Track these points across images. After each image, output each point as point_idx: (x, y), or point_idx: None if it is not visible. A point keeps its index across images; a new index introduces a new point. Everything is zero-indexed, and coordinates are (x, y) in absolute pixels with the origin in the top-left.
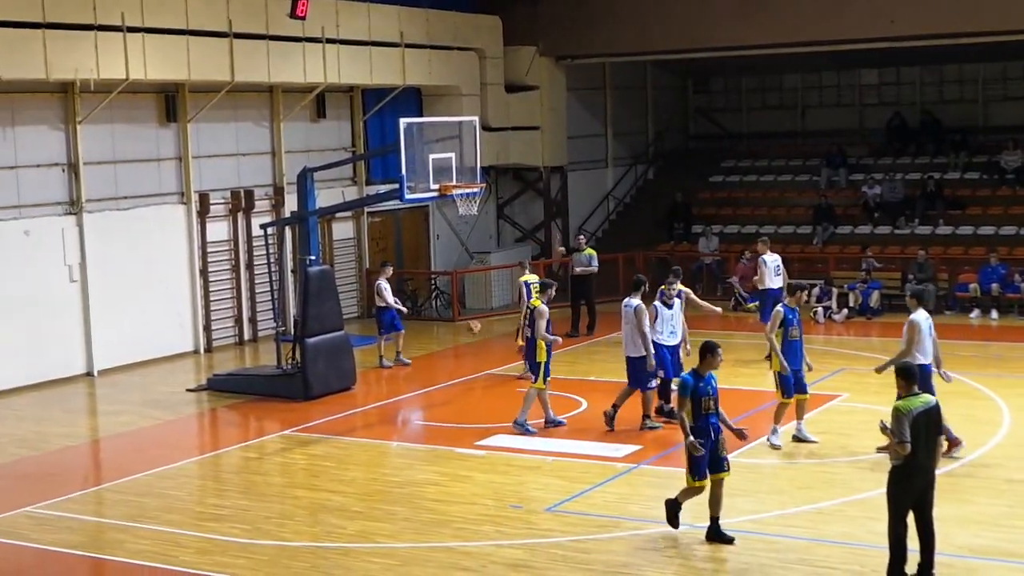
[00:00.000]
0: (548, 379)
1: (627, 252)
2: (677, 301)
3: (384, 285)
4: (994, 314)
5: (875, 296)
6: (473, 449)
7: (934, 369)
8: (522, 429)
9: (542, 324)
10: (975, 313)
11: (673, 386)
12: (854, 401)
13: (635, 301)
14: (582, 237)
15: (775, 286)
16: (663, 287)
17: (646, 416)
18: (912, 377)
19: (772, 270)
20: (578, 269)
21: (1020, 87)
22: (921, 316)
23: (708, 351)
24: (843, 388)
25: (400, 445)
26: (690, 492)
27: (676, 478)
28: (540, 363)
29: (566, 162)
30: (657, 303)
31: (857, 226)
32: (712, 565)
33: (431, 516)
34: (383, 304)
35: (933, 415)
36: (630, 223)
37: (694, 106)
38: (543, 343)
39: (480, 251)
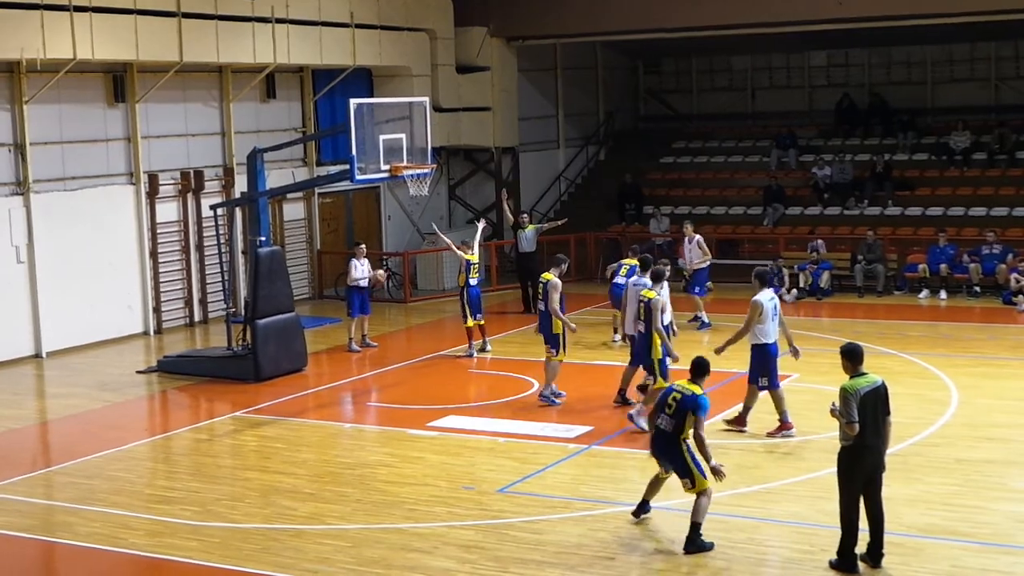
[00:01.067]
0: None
1: (578, 233)
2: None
3: (355, 263)
4: (943, 294)
5: (825, 277)
6: (425, 430)
7: (783, 350)
8: (548, 401)
9: (555, 297)
10: (924, 293)
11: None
12: (804, 381)
13: (645, 280)
14: (525, 216)
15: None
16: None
17: (623, 391)
18: (856, 358)
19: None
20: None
21: (967, 69)
22: (765, 297)
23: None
24: (793, 368)
25: (352, 427)
26: (705, 499)
27: (627, 459)
28: (557, 335)
29: (517, 143)
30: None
31: (807, 207)
32: (662, 545)
33: (383, 498)
34: (352, 284)
35: (881, 394)
36: (581, 204)
37: (645, 87)
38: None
39: (432, 232)
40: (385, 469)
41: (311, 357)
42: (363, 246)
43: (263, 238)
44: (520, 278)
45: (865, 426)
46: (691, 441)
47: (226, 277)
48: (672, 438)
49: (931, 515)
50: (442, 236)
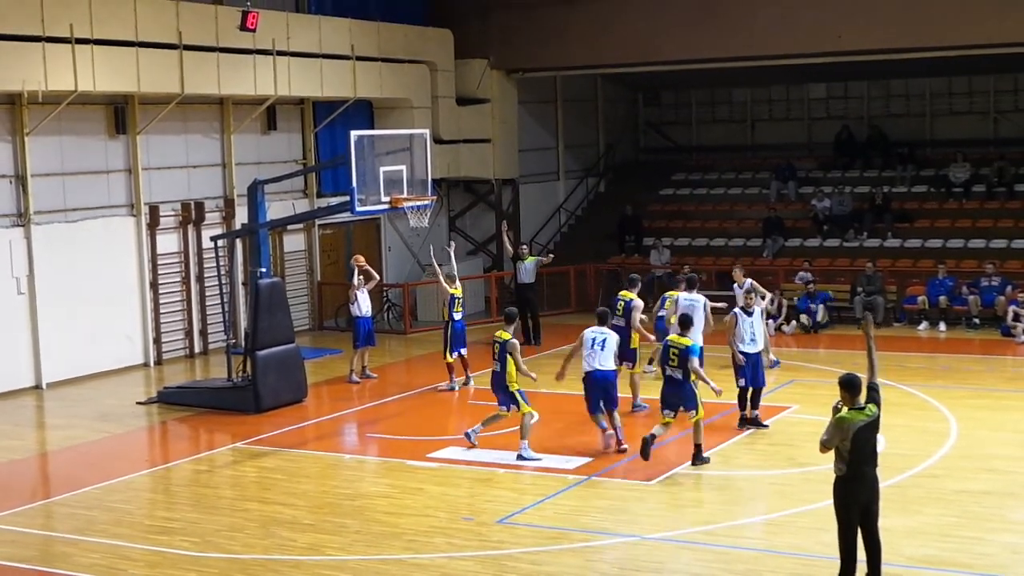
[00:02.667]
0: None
1: (578, 264)
2: (757, 309)
3: (358, 295)
4: (942, 326)
5: (821, 310)
6: (425, 461)
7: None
8: (639, 410)
9: (636, 316)
10: (923, 325)
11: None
12: (803, 413)
13: (695, 296)
14: (525, 247)
15: None
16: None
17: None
18: (855, 389)
19: None
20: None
21: (966, 102)
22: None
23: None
24: (793, 400)
25: (352, 458)
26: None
27: (627, 489)
28: (634, 349)
29: (517, 174)
30: (737, 310)
31: (806, 239)
32: None
33: (382, 529)
34: (358, 314)
35: (876, 427)
36: (581, 236)
37: (644, 119)
38: (636, 333)
39: (431, 264)
40: (385, 500)
41: (311, 388)
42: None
43: (263, 269)
44: (519, 309)
45: (860, 457)
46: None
47: (226, 308)
48: (682, 382)
49: (929, 546)
50: (453, 263)
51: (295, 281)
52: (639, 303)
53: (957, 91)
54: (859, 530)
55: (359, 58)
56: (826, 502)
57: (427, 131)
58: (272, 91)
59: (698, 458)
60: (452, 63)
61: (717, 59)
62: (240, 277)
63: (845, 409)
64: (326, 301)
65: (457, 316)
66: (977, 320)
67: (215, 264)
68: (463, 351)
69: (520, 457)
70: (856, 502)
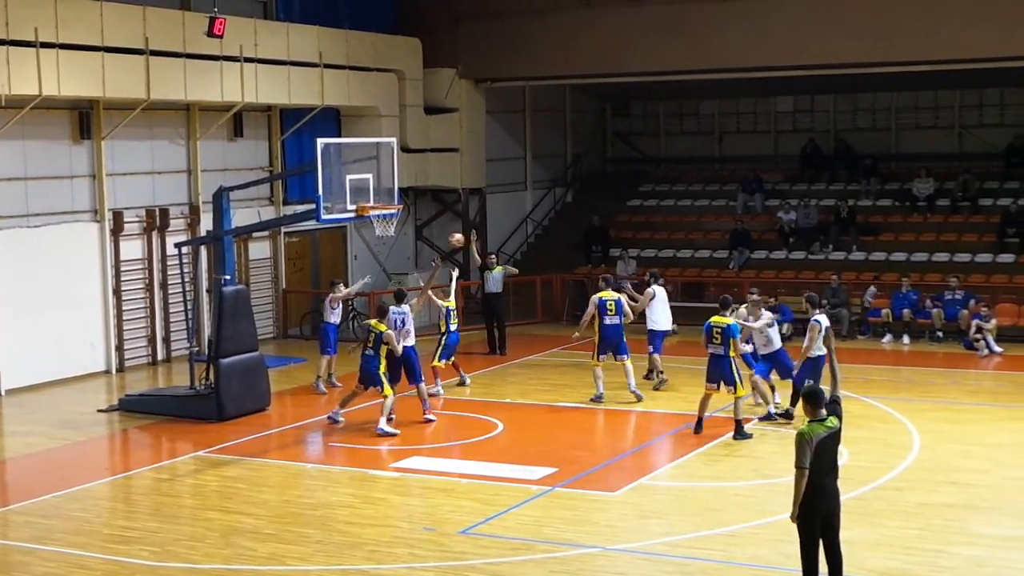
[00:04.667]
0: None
1: (545, 275)
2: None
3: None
4: (906, 339)
5: (786, 326)
6: (388, 471)
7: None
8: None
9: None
10: (887, 338)
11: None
12: (769, 425)
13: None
14: (493, 257)
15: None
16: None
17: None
18: (817, 401)
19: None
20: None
21: (931, 116)
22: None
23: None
24: (756, 412)
25: (314, 467)
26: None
27: (591, 500)
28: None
29: (485, 184)
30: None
31: (772, 251)
32: None
33: (344, 538)
34: (335, 321)
35: (837, 439)
36: (548, 246)
37: (612, 130)
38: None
39: (398, 272)
40: (347, 510)
41: (275, 397)
42: (340, 284)
43: (228, 277)
44: (486, 319)
45: (820, 469)
46: (735, 358)
47: (190, 315)
48: (724, 358)
49: (892, 559)
50: (454, 280)
51: (260, 289)
52: (624, 297)
53: (923, 106)
54: (820, 542)
55: (327, 66)
56: (787, 514)
57: (394, 140)
58: (239, 98)
59: (739, 433)
60: (420, 72)
61: (685, 71)
62: (204, 284)
63: (805, 422)
64: (291, 309)
65: (453, 327)
66: (940, 333)
67: (179, 271)
68: (450, 359)
69: (381, 432)
70: (817, 514)
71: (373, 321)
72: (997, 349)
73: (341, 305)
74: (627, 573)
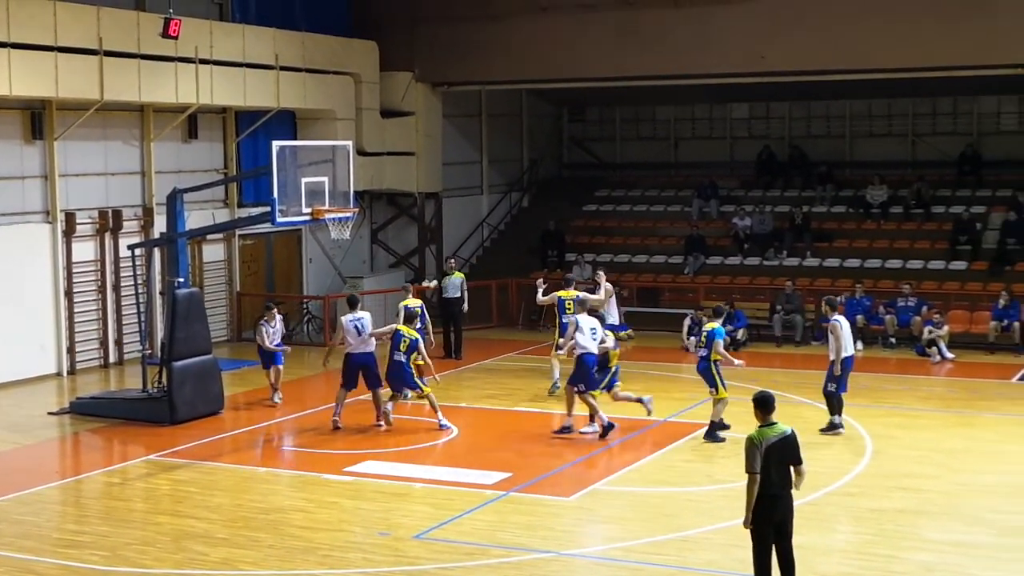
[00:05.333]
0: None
1: (500, 279)
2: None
3: (266, 328)
4: (859, 345)
5: (741, 332)
6: (341, 475)
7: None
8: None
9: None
10: None
11: None
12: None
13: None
14: (452, 261)
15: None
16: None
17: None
18: (767, 406)
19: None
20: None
21: (885, 124)
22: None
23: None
24: (709, 417)
25: (267, 471)
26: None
27: (545, 505)
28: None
29: (441, 188)
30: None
31: (727, 257)
32: None
33: (297, 543)
34: (269, 347)
35: (789, 444)
36: (504, 250)
37: (569, 135)
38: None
39: (353, 275)
40: (300, 514)
41: (228, 400)
42: (275, 309)
43: (181, 279)
44: (443, 323)
45: (770, 476)
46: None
47: (143, 318)
48: (705, 361)
49: (845, 564)
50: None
51: (214, 291)
52: (583, 295)
53: (877, 114)
54: (773, 547)
55: (283, 68)
56: (741, 519)
57: (350, 143)
58: (194, 99)
59: (711, 435)
60: (377, 75)
61: (641, 77)
62: (157, 287)
63: (755, 428)
64: (245, 312)
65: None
66: (893, 339)
67: (132, 273)
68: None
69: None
70: (770, 520)
71: (404, 327)
72: (949, 355)
73: (281, 324)
74: None
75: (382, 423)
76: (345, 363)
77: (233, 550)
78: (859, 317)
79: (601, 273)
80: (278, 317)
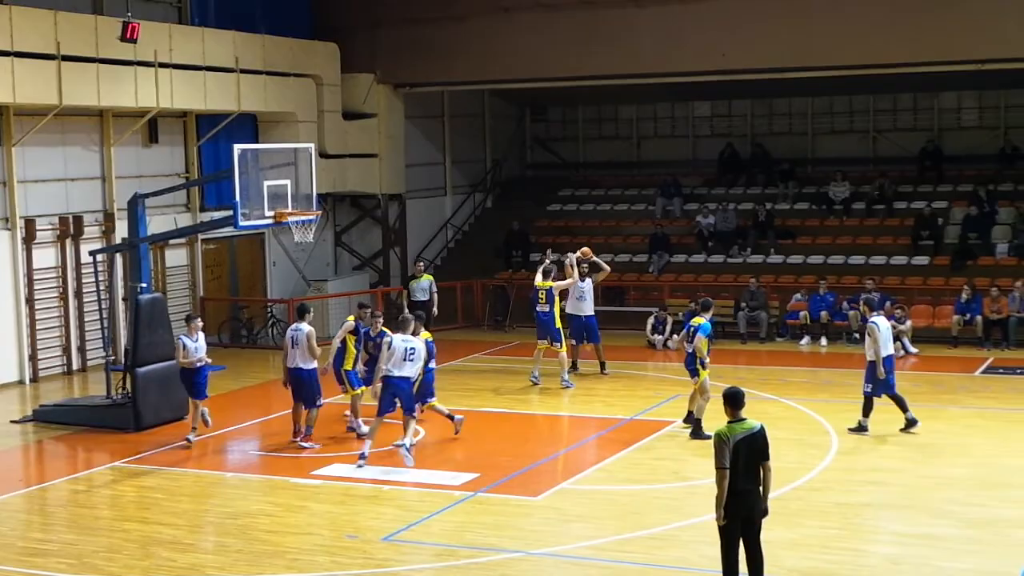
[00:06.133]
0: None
1: (465, 280)
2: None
3: (185, 341)
4: (823, 341)
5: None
6: (308, 479)
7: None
8: (565, 384)
9: (558, 292)
10: (805, 340)
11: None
12: (686, 427)
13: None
14: (421, 264)
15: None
16: None
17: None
18: (737, 402)
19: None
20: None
21: (846, 121)
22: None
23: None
24: (676, 414)
25: (234, 476)
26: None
27: (513, 505)
28: (558, 329)
29: (404, 190)
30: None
31: (691, 255)
32: None
33: (265, 547)
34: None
35: (758, 440)
36: (468, 251)
37: (532, 135)
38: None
39: (317, 279)
40: (267, 519)
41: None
42: (198, 320)
43: (144, 285)
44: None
45: (738, 472)
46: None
47: (105, 324)
48: (693, 355)
49: (811, 559)
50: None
51: (177, 296)
52: (557, 284)
53: (838, 110)
54: (741, 543)
55: (243, 71)
56: (709, 515)
57: (312, 145)
58: (154, 103)
59: (688, 419)
60: (338, 77)
61: (603, 76)
62: (120, 292)
63: (725, 423)
64: (209, 317)
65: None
66: (857, 335)
67: (94, 279)
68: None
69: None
70: (738, 515)
71: (425, 332)
72: (912, 350)
73: (202, 337)
74: (552, 574)
75: (305, 444)
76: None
77: (201, 555)
78: (823, 313)
79: (571, 256)
80: (201, 331)
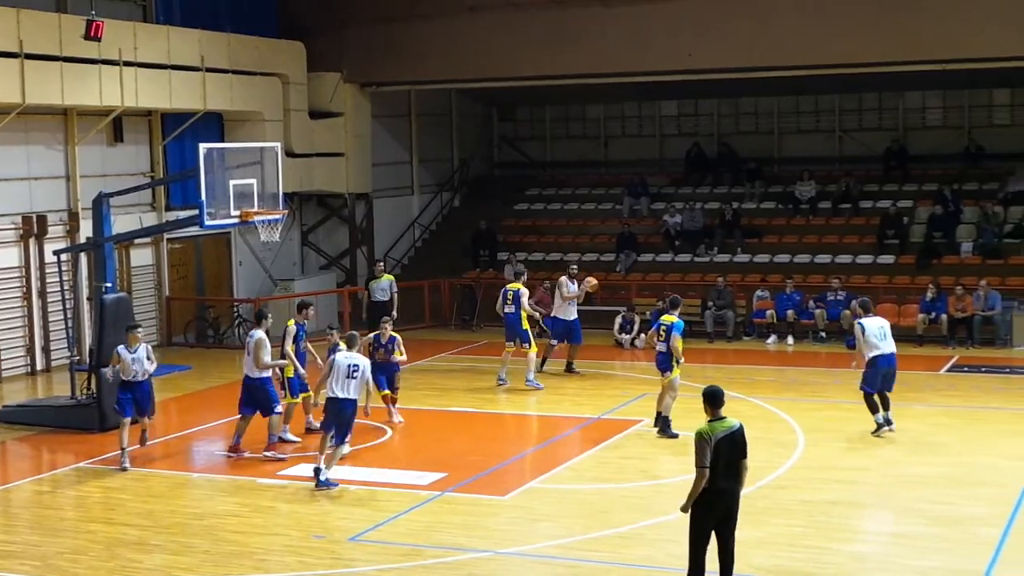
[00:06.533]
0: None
1: (433, 279)
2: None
3: (122, 353)
4: (790, 340)
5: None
6: (275, 479)
7: None
8: (533, 385)
9: (525, 299)
10: (772, 339)
11: None
12: (654, 426)
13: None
14: (381, 264)
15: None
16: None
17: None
18: (716, 401)
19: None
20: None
21: (812, 120)
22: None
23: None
24: (643, 413)
25: (200, 476)
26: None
27: (481, 505)
28: (526, 330)
29: (371, 189)
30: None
31: (658, 254)
32: None
33: (232, 548)
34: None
35: (737, 439)
36: (436, 250)
37: (499, 134)
38: (526, 314)
39: (284, 278)
40: (234, 519)
41: (158, 405)
42: (138, 330)
43: (109, 284)
44: (370, 326)
45: (717, 470)
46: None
47: (70, 324)
48: (667, 354)
49: (778, 556)
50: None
51: (143, 296)
52: (525, 290)
53: (804, 110)
54: (714, 541)
55: (209, 69)
56: (675, 514)
57: (279, 144)
58: (119, 102)
59: (664, 431)
60: (305, 76)
61: (571, 76)
62: (85, 292)
63: (705, 422)
64: (175, 317)
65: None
66: (823, 334)
67: (58, 279)
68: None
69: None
70: (713, 515)
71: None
72: None
73: (143, 350)
74: (517, 574)
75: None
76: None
77: (167, 556)
78: (789, 312)
79: (588, 281)
80: (144, 343)
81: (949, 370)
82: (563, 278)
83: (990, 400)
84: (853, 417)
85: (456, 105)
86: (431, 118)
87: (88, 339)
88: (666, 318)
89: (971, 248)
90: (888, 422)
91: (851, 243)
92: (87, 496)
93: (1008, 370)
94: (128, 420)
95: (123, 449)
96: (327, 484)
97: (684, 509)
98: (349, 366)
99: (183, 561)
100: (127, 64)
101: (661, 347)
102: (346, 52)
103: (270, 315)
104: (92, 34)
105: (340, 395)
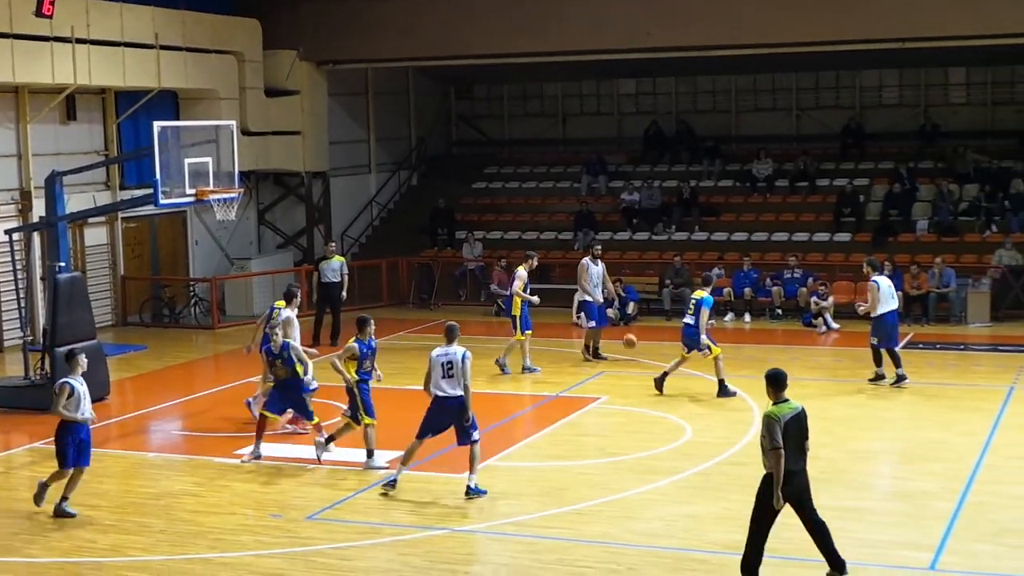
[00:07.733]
0: (527, 331)
1: (391, 258)
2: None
3: (74, 385)
4: (747, 317)
5: (632, 305)
6: (232, 458)
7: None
8: (501, 369)
9: (519, 284)
10: (729, 316)
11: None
12: (612, 404)
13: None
14: (332, 245)
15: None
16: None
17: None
18: (780, 384)
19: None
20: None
21: (769, 98)
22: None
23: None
24: (602, 391)
25: (156, 456)
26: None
27: (437, 483)
28: (515, 316)
29: (328, 167)
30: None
31: (616, 232)
32: (474, 568)
33: (187, 527)
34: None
35: (802, 420)
36: (394, 229)
37: (456, 112)
38: (519, 299)
39: (240, 257)
40: (190, 499)
41: (114, 385)
42: (83, 356)
43: (62, 264)
44: (319, 307)
45: (788, 452)
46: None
47: (23, 304)
48: (694, 328)
49: (735, 532)
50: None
51: (97, 275)
52: (522, 273)
53: (761, 88)
54: (801, 522)
55: (163, 47)
56: (632, 491)
57: (234, 123)
58: (71, 80)
59: (723, 391)
60: (260, 54)
61: (528, 53)
62: (38, 272)
63: (770, 404)
64: (130, 296)
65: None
66: (780, 311)
67: (11, 258)
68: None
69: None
70: (786, 497)
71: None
72: (835, 326)
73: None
74: (476, 553)
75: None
76: None
77: (122, 536)
78: (747, 290)
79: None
80: (83, 362)
81: (904, 347)
82: (586, 259)
83: (944, 376)
84: (809, 393)
85: (413, 83)
86: (388, 96)
87: (41, 319)
88: (697, 293)
89: (926, 226)
90: (883, 376)
91: (808, 221)
92: (41, 477)
93: (962, 347)
94: (70, 471)
95: (65, 498)
96: (478, 491)
97: (777, 504)
98: (443, 364)
99: (138, 541)
100: (79, 41)
101: (689, 319)
102: (302, 30)
103: (299, 293)
104: (43, 11)
105: (447, 392)
